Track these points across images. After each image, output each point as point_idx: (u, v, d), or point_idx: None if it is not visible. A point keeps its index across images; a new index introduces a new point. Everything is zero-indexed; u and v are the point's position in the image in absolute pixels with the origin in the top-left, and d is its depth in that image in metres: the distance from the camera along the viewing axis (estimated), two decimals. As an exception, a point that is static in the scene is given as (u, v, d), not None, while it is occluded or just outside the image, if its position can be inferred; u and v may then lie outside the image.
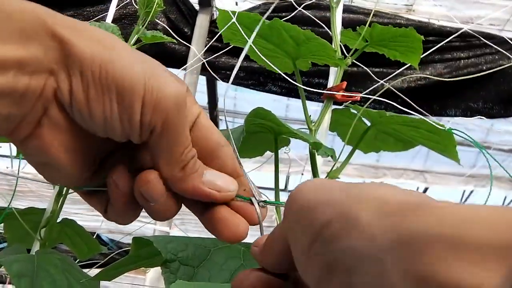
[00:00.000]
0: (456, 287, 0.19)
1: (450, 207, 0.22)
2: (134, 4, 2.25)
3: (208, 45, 2.22)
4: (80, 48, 0.34)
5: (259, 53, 0.87)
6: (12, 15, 0.32)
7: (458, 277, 0.19)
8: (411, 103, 1.12)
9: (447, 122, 2.94)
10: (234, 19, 0.88)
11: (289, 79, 0.93)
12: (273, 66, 0.95)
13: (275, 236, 0.34)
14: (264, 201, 0.40)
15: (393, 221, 0.23)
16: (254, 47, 0.88)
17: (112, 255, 2.25)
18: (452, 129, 0.92)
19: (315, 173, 0.90)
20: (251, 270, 0.35)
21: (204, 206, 0.41)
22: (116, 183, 0.40)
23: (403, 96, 1.28)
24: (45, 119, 0.36)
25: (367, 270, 0.23)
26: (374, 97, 0.92)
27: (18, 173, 1.14)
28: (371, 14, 1.32)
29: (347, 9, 2.42)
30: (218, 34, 0.96)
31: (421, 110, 1.23)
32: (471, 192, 4.36)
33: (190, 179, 0.39)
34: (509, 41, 2.39)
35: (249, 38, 0.94)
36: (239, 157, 0.43)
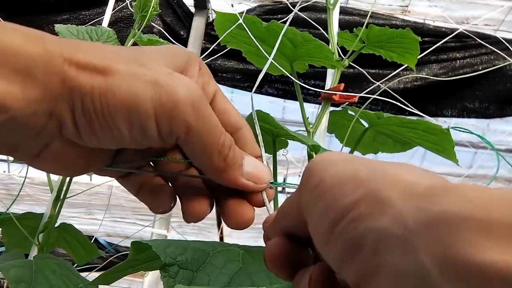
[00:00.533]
0: (486, 267, 0.19)
1: (478, 189, 0.22)
2: (130, 8, 2.25)
3: (209, 50, 2.22)
4: (78, 81, 0.33)
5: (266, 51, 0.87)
6: (16, 52, 0.31)
7: (487, 257, 0.19)
8: (407, 104, 1.12)
9: (444, 123, 2.95)
10: (241, 20, 0.88)
11: (290, 76, 0.93)
12: (277, 65, 0.95)
13: (290, 204, 0.33)
14: (272, 183, 0.40)
15: (422, 203, 0.23)
16: (257, 43, 0.88)
17: (110, 259, 2.24)
18: (455, 127, 0.92)
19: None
20: (273, 239, 0.35)
21: (216, 191, 0.41)
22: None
23: (399, 97, 1.27)
24: (50, 147, 0.35)
25: (395, 250, 0.23)
26: (373, 96, 0.92)
27: (24, 180, 1.14)
28: (368, 16, 1.32)
29: (342, 11, 2.42)
30: (219, 39, 0.96)
31: (417, 112, 1.23)
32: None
33: (232, 170, 0.38)
34: (504, 41, 2.39)
35: (246, 40, 0.94)
36: (260, 138, 0.42)
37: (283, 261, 0.33)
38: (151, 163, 0.42)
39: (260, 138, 0.42)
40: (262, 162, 0.41)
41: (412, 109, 1.08)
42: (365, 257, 0.25)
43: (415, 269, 0.22)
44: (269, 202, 0.40)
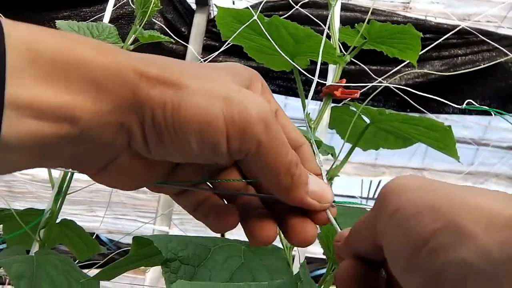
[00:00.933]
0: None
1: None
2: (131, 4, 2.25)
3: (219, 51, 2.22)
4: (150, 94, 0.32)
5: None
6: (88, 64, 0.31)
7: None
8: (409, 100, 1.12)
9: (445, 120, 2.95)
10: (255, 16, 0.88)
11: (298, 66, 0.93)
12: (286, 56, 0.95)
13: (362, 227, 0.33)
14: (334, 201, 0.40)
15: (506, 235, 0.23)
16: (268, 34, 0.88)
17: (111, 255, 2.25)
18: (469, 107, 0.92)
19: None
20: (345, 261, 0.35)
21: (275, 209, 0.41)
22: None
23: (401, 94, 1.27)
24: (117, 160, 0.35)
25: (479, 283, 0.23)
26: (376, 91, 0.92)
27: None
28: (369, 12, 1.32)
29: (344, 7, 2.42)
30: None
31: (420, 108, 1.23)
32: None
33: (298, 189, 0.37)
34: (506, 38, 2.39)
35: (248, 36, 0.94)
36: (319, 157, 0.42)
37: (355, 284, 0.34)
38: (208, 183, 0.41)
39: (318, 156, 0.42)
40: (323, 180, 0.41)
41: (414, 104, 1.08)
42: None
43: None
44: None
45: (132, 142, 0.34)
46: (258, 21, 0.88)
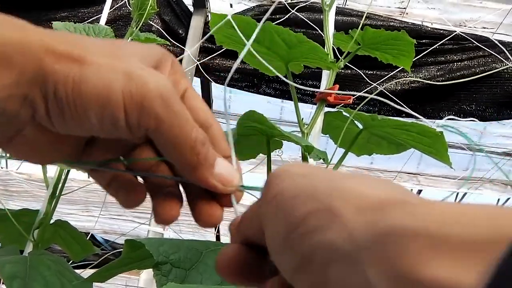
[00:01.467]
0: (434, 284, 0.19)
1: (429, 204, 0.22)
2: (128, 6, 2.25)
3: (215, 54, 2.22)
4: (54, 69, 0.33)
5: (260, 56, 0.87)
6: None
7: (436, 274, 0.19)
8: (404, 106, 1.13)
9: (440, 125, 2.95)
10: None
11: (284, 79, 0.94)
12: (270, 67, 0.95)
13: (252, 212, 0.34)
14: (242, 186, 0.40)
15: (372, 217, 0.23)
16: (252, 50, 0.89)
17: (106, 255, 2.25)
18: (446, 126, 0.93)
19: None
20: (230, 245, 0.35)
21: (187, 188, 0.41)
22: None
23: (396, 99, 1.28)
24: (23, 132, 0.36)
25: (343, 265, 0.23)
26: (370, 96, 0.92)
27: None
28: (364, 17, 1.33)
29: (340, 12, 2.42)
30: (208, 35, 0.96)
31: (414, 114, 1.24)
32: (464, 194, 4.38)
33: (202, 168, 0.37)
34: (501, 44, 2.40)
35: (241, 41, 0.95)
36: (232, 140, 0.41)
37: (235, 270, 0.34)
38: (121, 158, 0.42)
39: (231, 137, 0.41)
40: (232, 162, 0.41)
41: (408, 110, 1.08)
42: (315, 270, 0.25)
43: (362, 285, 0.22)
44: (237, 204, 0.40)
45: (36, 115, 0.35)
46: (243, 26, 0.89)
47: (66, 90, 0.33)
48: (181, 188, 0.42)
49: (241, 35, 0.68)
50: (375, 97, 0.88)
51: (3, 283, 0.85)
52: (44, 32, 0.35)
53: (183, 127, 0.36)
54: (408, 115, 2.43)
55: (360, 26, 0.98)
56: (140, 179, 0.42)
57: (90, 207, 4.20)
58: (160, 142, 0.36)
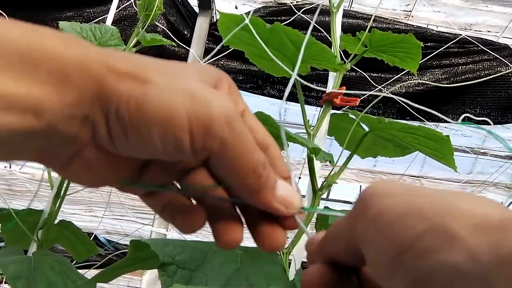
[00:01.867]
0: None
1: None
2: (134, 6, 2.25)
3: (220, 55, 2.22)
4: (117, 88, 0.32)
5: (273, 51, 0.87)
6: (55, 56, 0.31)
7: None
8: (410, 106, 1.13)
9: (444, 128, 2.95)
10: (247, 20, 0.88)
11: (298, 78, 0.94)
12: (284, 67, 0.95)
13: (337, 231, 0.33)
14: (303, 208, 0.39)
15: (495, 238, 0.23)
16: (268, 51, 0.89)
17: (109, 256, 2.25)
18: (465, 122, 0.92)
19: (312, 177, 0.91)
20: (314, 265, 0.34)
21: (246, 212, 0.40)
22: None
23: (401, 102, 1.28)
24: (82, 154, 0.35)
25: (468, 285, 0.23)
26: (376, 100, 0.92)
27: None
28: (371, 19, 1.32)
29: (346, 14, 2.42)
30: (226, 39, 0.96)
31: (420, 117, 1.24)
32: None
33: (264, 192, 0.36)
34: (507, 48, 2.40)
35: (249, 42, 0.95)
36: (289, 158, 0.41)
37: None
38: (175, 182, 0.40)
39: (289, 158, 0.41)
40: (291, 183, 0.40)
41: (415, 113, 1.08)
42: None
43: None
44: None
45: (97, 134, 0.34)
46: (250, 25, 0.88)
47: (128, 110, 0.32)
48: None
49: (257, 36, 0.67)
50: (391, 95, 0.87)
51: (6, 283, 0.85)
52: (103, 50, 0.34)
53: (246, 150, 0.35)
54: (412, 118, 2.43)
55: (367, 29, 0.98)
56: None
57: (93, 207, 4.21)
58: (221, 165, 0.35)
